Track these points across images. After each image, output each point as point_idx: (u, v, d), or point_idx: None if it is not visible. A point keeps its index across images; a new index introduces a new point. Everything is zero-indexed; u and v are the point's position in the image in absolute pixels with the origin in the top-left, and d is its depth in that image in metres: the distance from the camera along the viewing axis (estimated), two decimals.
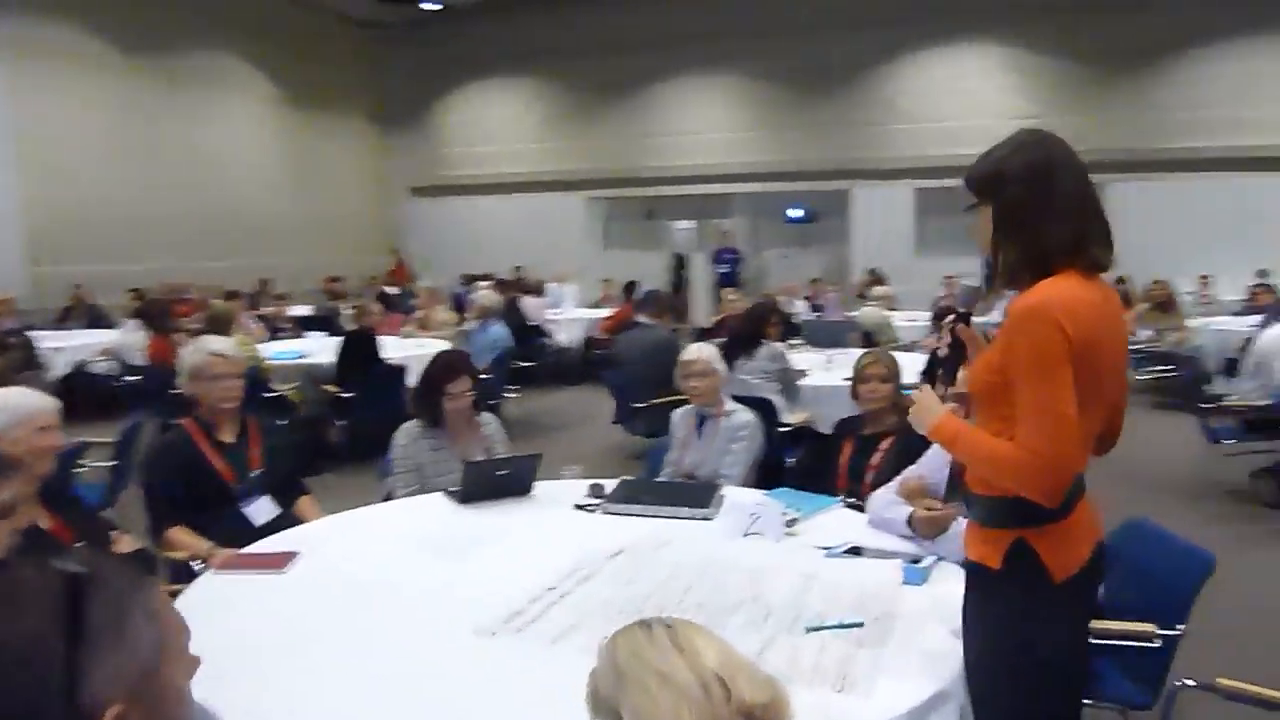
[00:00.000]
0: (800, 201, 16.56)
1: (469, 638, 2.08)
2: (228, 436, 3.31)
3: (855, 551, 2.56)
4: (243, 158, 15.11)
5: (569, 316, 11.07)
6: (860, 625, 2.09)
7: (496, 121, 17.26)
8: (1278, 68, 13.11)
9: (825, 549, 2.59)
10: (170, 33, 13.73)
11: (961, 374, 2.07)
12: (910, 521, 2.64)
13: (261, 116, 15.58)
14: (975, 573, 1.92)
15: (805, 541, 2.68)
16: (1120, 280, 11.06)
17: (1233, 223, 12.89)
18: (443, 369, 3.46)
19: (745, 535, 2.72)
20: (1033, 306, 1.74)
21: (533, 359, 8.36)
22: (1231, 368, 8.33)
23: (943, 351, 2.08)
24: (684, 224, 17.69)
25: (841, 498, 3.12)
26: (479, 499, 3.09)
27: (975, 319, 2.06)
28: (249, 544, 3.04)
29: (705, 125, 16.15)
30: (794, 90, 15.41)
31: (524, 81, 17.06)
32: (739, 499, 3.01)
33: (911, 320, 9.15)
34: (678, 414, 3.98)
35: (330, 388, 6.56)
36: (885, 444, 3.48)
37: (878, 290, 9.67)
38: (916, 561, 2.48)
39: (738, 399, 4.19)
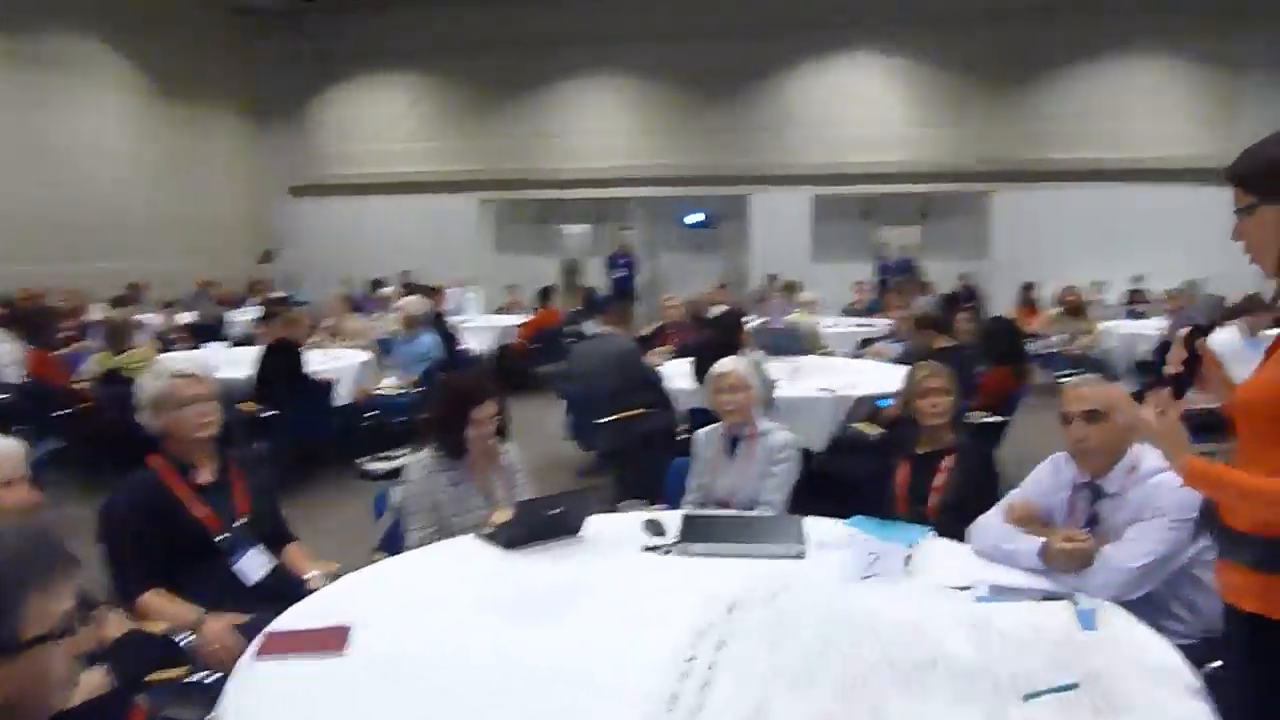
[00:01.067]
0: (699, 207, 16.44)
1: None
2: (207, 476, 2.74)
3: (1002, 591, 2.27)
4: (102, 151, 13.69)
5: (478, 324, 10.51)
6: (1076, 686, 1.80)
7: (382, 118, 16.37)
8: (1147, 85, 13.87)
9: (962, 589, 2.30)
10: (13, 8, 12.28)
11: (1192, 394, 1.81)
12: (1044, 554, 2.38)
13: (123, 106, 14.18)
14: (1252, 624, 1.66)
15: (931, 582, 2.37)
16: (1028, 286, 11.39)
17: (1110, 230, 13.52)
18: (469, 391, 2.99)
19: (864, 578, 2.39)
20: None
21: (459, 370, 7.80)
22: (1142, 369, 8.65)
23: (1176, 368, 1.82)
24: (577, 228, 17.32)
25: (932, 527, 2.83)
26: (526, 542, 2.65)
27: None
28: (243, 607, 2.53)
29: (601, 127, 15.79)
30: (692, 94, 15.25)
31: (411, 77, 16.26)
32: (838, 533, 2.69)
33: (829, 327, 9.10)
34: (703, 434, 3.62)
35: (248, 406, 5.86)
36: (946, 462, 3.23)
37: (805, 296, 9.56)
38: (1056, 598, 2.23)
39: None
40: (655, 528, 2.79)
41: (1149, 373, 8.05)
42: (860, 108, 14.54)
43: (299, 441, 5.98)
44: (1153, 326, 9.25)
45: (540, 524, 2.67)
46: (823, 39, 14.56)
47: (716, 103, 15.15)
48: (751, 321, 7.26)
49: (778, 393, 5.63)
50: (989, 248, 14.49)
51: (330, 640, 1.99)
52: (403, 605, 2.28)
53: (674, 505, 3.57)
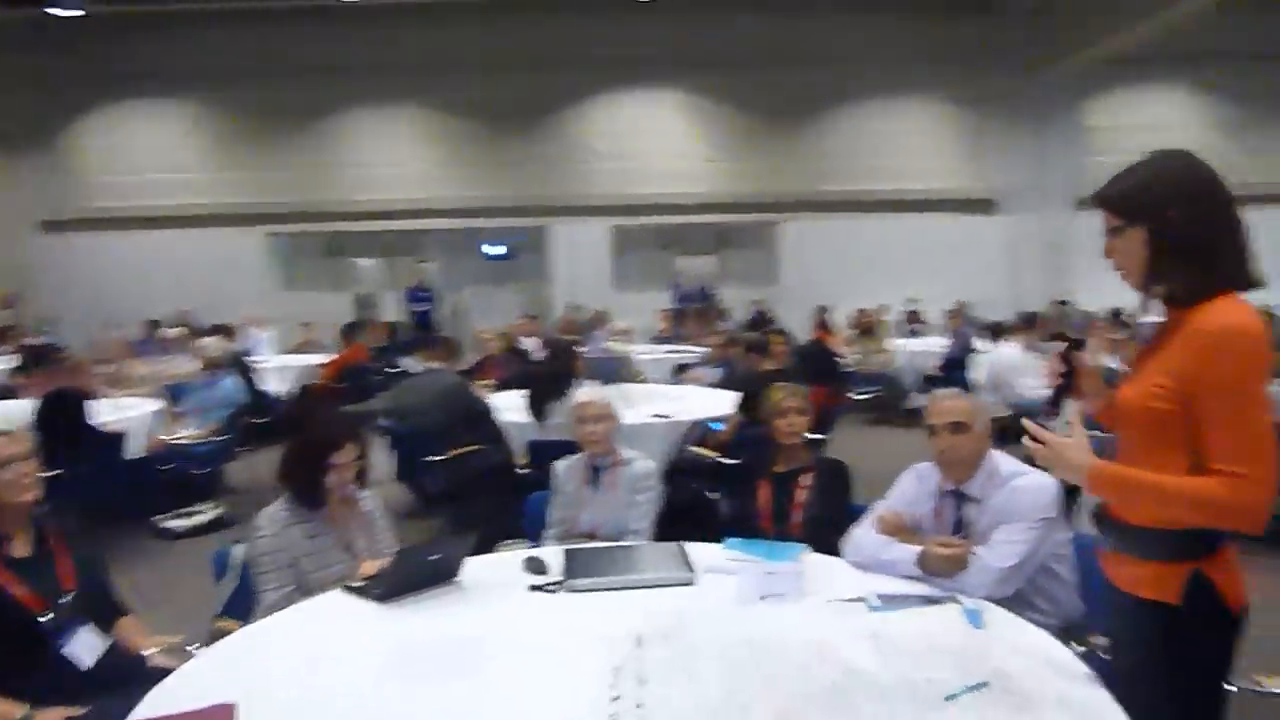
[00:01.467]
0: (499, 239, 16.32)
1: None
2: (23, 549, 2.39)
3: (892, 600, 2.36)
4: None
5: (275, 364, 9.86)
6: (987, 685, 1.89)
7: (154, 147, 15.09)
8: (908, 125, 15.20)
9: (855, 600, 2.37)
10: None
11: (1074, 405, 1.96)
12: (921, 561, 2.50)
13: None
14: (1144, 610, 1.80)
15: (821, 598, 2.42)
16: (823, 310, 12.09)
17: (886, 257, 14.65)
18: (327, 435, 2.77)
19: (762, 599, 2.41)
20: (1240, 326, 1.65)
21: (263, 414, 7.29)
22: (929, 382, 9.39)
23: (1055, 381, 1.96)
24: (370, 262, 16.71)
25: (805, 544, 2.90)
26: (403, 593, 2.48)
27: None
28: (77, 697, 2.23)
29: (393, 159, 15.36)
30: (489, 126, 15.16)
31: (184, 104, 15.12)
32: (720, 558, 2.70)
33: (642, 354, 9.26)
34: (562, 466, 3.55)
35: None
36: (805, 480, 3.34)
37: (619, 325, 9.66)
38: (941, 602, 2.36)
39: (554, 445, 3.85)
40: (537, 565, 2.71)
41: (934, 384, 8.76)
42: (656, 140, 15.01)
43: (87, 502, 5.34)
44: (933, 344, 10.07)
45: (417, 573, 2.52)
46: (618, 73, 14.92)
47: (513, 134, 15.15)
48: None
49: None
50: (779, 274, 15.30)
51: None
52: (285, 674, 2.07)
53: (535, 542, 3.49)
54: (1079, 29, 13.19)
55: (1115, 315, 10.58)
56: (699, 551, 2.78)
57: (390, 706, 1.91)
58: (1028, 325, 6.77)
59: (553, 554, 2.78)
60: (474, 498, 5.01)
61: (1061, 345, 3.50)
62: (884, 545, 2.62)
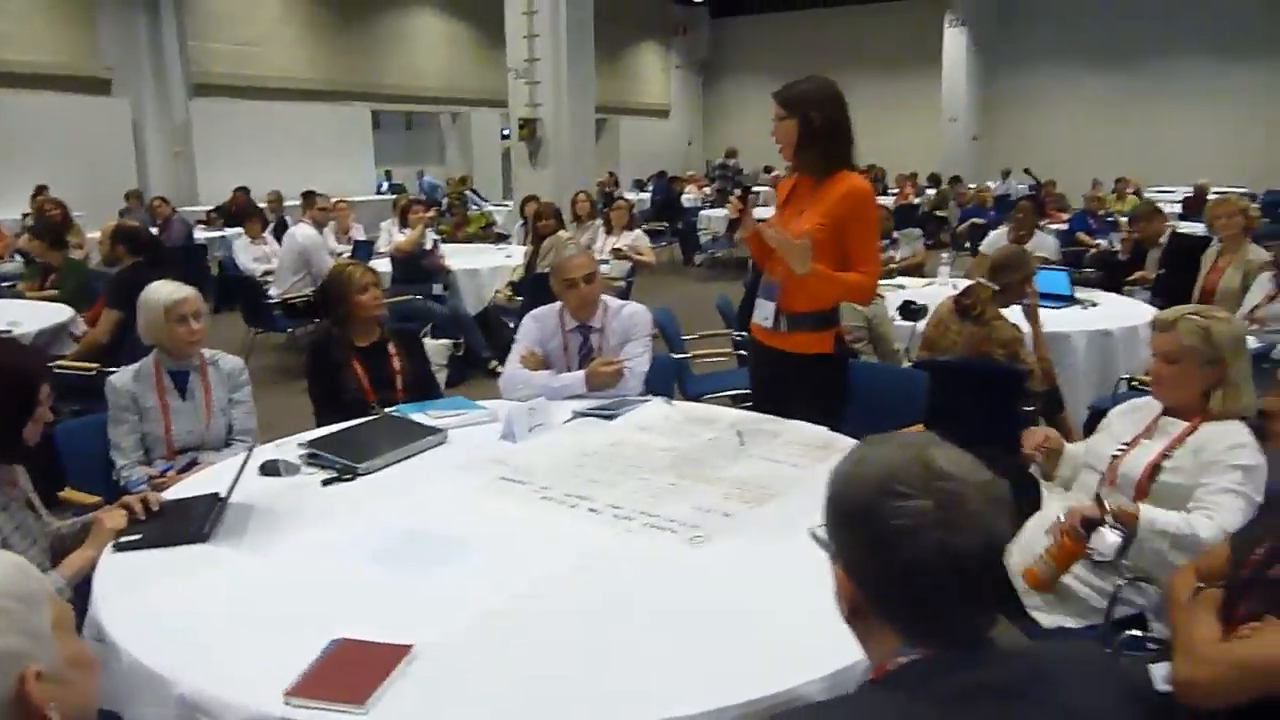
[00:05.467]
0: None
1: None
2: None
3: (617, 407, 3.06)
4: None
5: None
6: (741, 430, 2.83)
7: None
8: None
9: (593, 415, 2.99)
10: None
11: (740, 232, 2.97)
12: (588, 379, 3.23)
13: None
14: (814, 361, 2.96)
15: (558, 420, 2.97)
16: None
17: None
18: (30, 370, 2.00)
19: (531, 430, 2.85)
20: (864, 188, 2.88)
21: None
22: None
23: (734, 215, 2.94)
24: None
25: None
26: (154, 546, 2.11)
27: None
28: None
29: None
30: None
31: None
32: (442, 419, 2.94)
33: None
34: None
35: None
36: (391, 348, 3.57)
37: None
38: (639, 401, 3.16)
39: None
40: (291, 468, 2.56)
41: None
42: None
43: None
44: None
45: (173, 529, 2.16)
46: None
47: None
48: None
49: None
50: None
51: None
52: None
53: None
54: None
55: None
56: (418, 418, 2.95)
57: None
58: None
59: (290, 451, 2.64)
60: None
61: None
62: (549, 377, 3.27)
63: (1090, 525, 2.12)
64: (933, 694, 0.95)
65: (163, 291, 3.00)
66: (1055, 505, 2.41)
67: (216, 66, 15.13)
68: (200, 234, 10.80)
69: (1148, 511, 2.14)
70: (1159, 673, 1.74)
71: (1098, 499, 2.24)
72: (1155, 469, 2.27)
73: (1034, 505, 2.49)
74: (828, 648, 1.42)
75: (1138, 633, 2.11)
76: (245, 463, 2.30)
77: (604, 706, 1.48)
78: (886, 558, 0.97)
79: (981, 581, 0.97)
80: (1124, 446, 2.40)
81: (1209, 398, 2.32)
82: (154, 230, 8.54)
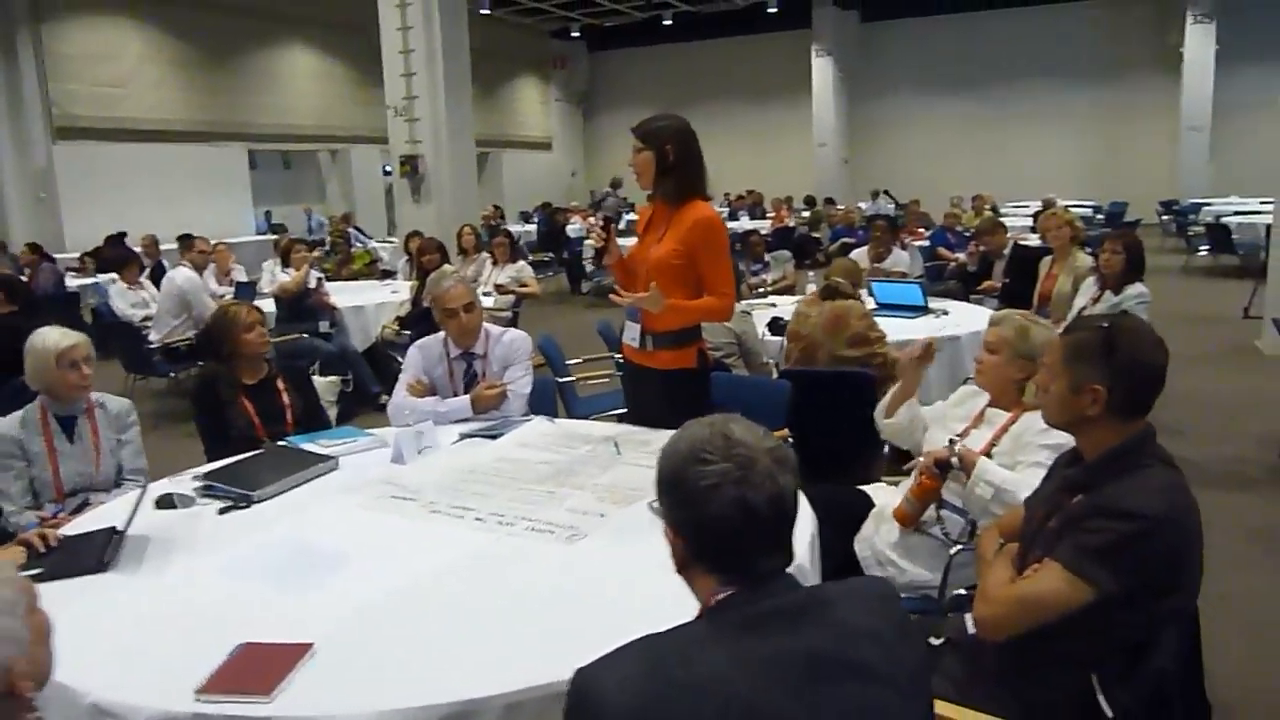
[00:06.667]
0: None
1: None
2: None
3: (501, 426, 3.25)
4: None
5: None
6: (615, 439, 3.06)
7: None
8: None
9: (476, 436, 3.18)
10: None
11: (606, 259, 3.24)
12: (474, 403, 3.42)
13: None
14: (678, 375, 3.22)
15: (447, 442, 3.15)
16: None
17: None
18: None
19: (420, 452, 3.02)
20: (713, 217, 3.18)
21: None
22: None
23: (598, 244, 3.19)
24: None
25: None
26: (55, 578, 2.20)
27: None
28: None
29: None
30: None
31: None
32: (333, 448, 3.08)
33: None
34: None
35: None
36: (279, 384, 3.67)
37: None
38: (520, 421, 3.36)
39: None
40: (184, 501, 2.66)
41: None
42: None
43: None
44: None
45: (72, 561, 2.26)
46: None
47: None
48: None
49: None
50: None
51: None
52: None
53: None
54: None
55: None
56: (310, 447, 3.08)
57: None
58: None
59: (184, 485, 2.74)
60: None
61: None
62: (435, 402, 3.45)
63: (943, 466, 2.54)
64: (736, 620, 1.20)
65: (52, 337, 3.06)
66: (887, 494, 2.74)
67: (79, 109, 14.68)
68: (71, 281, 10.47)
69: (984, 462, 2.53)
70: (969, 619, 2.05)
71: (950, 443, 2.61)
72: (987, 454, 2.63)
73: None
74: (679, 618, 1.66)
75: (964, 591, 2.44)
76: (142, 495, 2.41)
77: (480, 674, 1.67)
78: (698, 512, 1.21)
79: (774, 526, 1.22)
80: (959, 436, 2.75)
81: (1023, 390, 2.69)
82: (23, 278, 8.28)
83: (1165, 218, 17.23)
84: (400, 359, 6.67)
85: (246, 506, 2.62)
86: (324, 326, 7.10)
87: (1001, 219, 9.83)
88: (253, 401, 3.57)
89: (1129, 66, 20.90)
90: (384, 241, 14.31)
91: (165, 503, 2.64)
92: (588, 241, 13.73)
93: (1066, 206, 9.51)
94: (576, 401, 5.10)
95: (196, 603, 2.06)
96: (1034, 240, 9.20)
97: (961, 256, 9.65)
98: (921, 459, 2.64)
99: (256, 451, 3.09)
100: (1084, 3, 20.67)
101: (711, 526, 1.21)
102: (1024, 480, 2.46)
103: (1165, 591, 1.76)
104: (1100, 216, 16.58)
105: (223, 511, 2.60)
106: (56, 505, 3.10)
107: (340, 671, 1.71)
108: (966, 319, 5.68)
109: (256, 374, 3.63)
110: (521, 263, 8.86)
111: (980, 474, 2.50)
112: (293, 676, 1.67)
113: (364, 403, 6.66)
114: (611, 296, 3.23)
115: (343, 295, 7.70)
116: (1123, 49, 20.86)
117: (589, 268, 13.09)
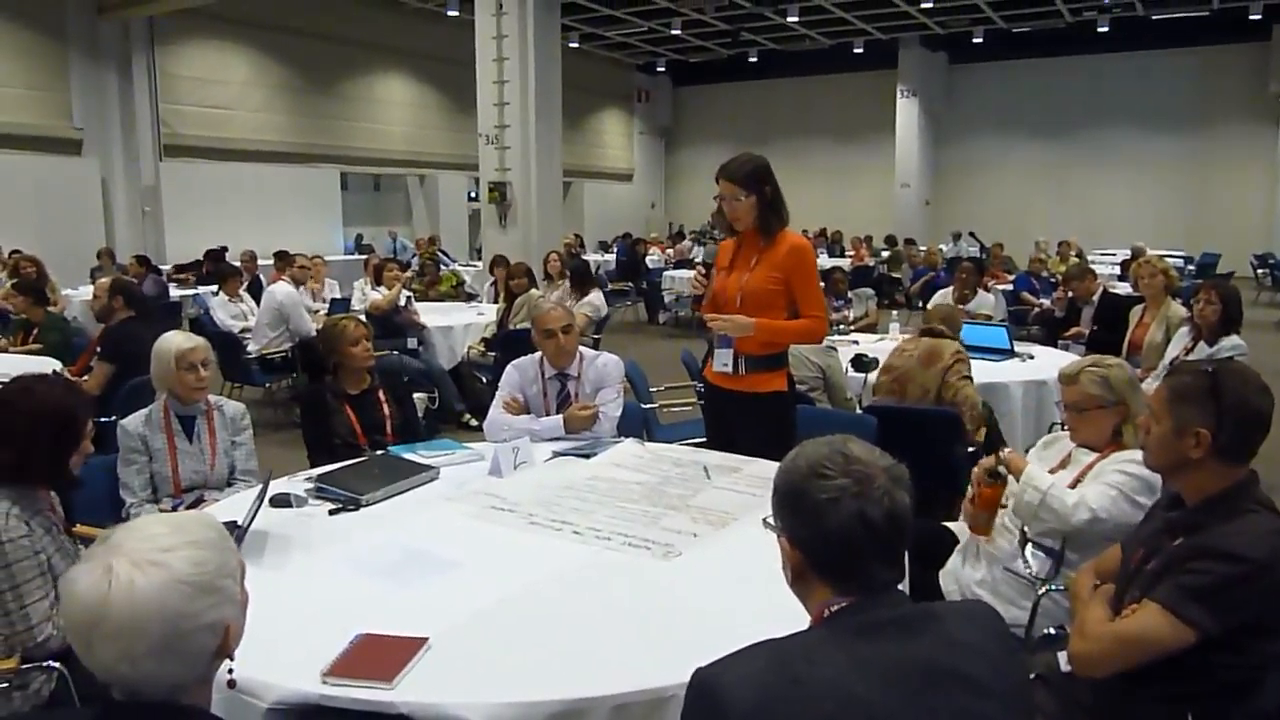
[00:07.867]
0: None
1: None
2: None
3: (593, 446, 3.35)
4: None
5: None
6: (705, 464, 3.13)
7: None
8: None
9: (572, 455, 3.28)
10: None
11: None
12: (567, 423, 3.53)
13: None
14: (769, 399, 3.30)
15: (539, 457, 3.26)
16: None
17: None
18: (73, 405, 2.26)
19: (516, 468, 3.13)
20: (805, 244, 3.28)
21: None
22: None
23: (698, 291, 3.32)
24: None
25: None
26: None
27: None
28: None
29: None
30: None
31: None
32: (434, 458, 3.21)
33: None
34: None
35: None
36: (380, 395, 3.83)
37: None
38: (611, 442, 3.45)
39: None
40: (299, 500, 2.81)
41: None
42: None
43: None
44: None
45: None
46: None
47: None
48: None
49: None
50: None
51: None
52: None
53: None
54: None
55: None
56: (408, 456, 3.22)
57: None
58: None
59: (297, 486, 2.89)
60: None
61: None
62: (530, 420, 3.57)
63: (994, 474, 2.56)
64: (853, 627, 1.26)
65: (175, 340, 3.27)
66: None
67: (186, 128, 15.44)
68: (175, 291, 10.98)
69: (1031, 468, 2.57)
70: (1063, 656, 2.06)
71: (994, 453, 2.66)
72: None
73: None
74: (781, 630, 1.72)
75: (1052, 630, 2.44)
76: (264, 493, 2.56)
77: (589, 675, 1.75)
78: (818, 525, 1.28)
79: (889, 541, 1.28)
80: None
81: (1121, 433, 2.67)
82: None
83: (1261, 271, 16.69)
84: (484, 379, 6.93)
85: (355, 509, 2.76)
86: (412, 344, 7.33)
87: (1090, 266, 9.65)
88: (355, 411, 3.74)
89: (1222, 114, 20.38)
90: (467, 265, 14.67)
91: (281, 501, 2.79)
92: (676, 273, 13.91)
93: (1160, 255, 9.31)
94: (659, 429, 5.18)
95: (315, 595, 2.19)
96: (1123, 288, 9.07)
97: (1046, 302, 9.52)
98: (975, 470, 2.63)
99: (362, 459, 3.23)
100: (1175, 50, 20.26)
101: (831, 539, 1.28)
102: (1085, 492, 2.46)
103: (1267, 635, 1.76)
104: (1191, 267, 16.14)
105: (333, 513, 2.74)
106: (174, 500, 3.28)
107: (455, 665, 1.81)
108: (1052, 363, 5.62)
109: (360, 385, 3.80)
110: (596, 292, 9.01)
111: (1028, 479, 2.52)
112: (411, 666, 1.77)
113: (448, 420, 6.85)
114: (708, 318, 3.33)
115: (430, 315, 7.94)
116: (1215, 96, 20.35)
117: (667, 299, 13.22)
